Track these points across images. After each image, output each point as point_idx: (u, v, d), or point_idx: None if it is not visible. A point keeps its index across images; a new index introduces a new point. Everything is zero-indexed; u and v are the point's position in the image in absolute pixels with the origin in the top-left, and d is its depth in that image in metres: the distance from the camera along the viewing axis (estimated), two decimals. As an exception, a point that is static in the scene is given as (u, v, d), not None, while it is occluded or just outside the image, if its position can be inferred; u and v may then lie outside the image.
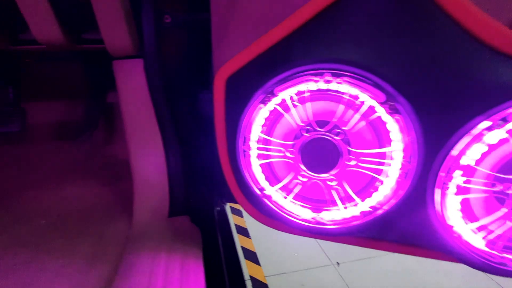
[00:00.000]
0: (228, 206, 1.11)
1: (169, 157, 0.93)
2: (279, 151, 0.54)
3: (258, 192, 0.58)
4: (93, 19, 0.73)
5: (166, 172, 0.91)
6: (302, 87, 0.49)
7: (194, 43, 0.99)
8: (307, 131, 0.51)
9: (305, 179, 0.54)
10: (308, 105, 0.50)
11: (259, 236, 2.15)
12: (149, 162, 0.92)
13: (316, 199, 0.58)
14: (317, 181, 0.54)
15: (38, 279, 0.70)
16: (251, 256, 1.96)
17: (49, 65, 1.31)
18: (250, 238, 2.15)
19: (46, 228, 0.89)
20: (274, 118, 0.53)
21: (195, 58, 1.02)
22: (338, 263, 1.92)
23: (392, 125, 0.47)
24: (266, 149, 0.55)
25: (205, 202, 1.00)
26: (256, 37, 0.52)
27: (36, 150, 1.22)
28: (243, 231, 2.24)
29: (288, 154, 0.54)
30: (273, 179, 0.58)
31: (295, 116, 0.51)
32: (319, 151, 0.52)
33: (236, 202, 1.15)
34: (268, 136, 0.54)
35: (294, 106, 0.51)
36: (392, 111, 0.46)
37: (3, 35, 0.72)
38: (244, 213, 2.46)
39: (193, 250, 0.71)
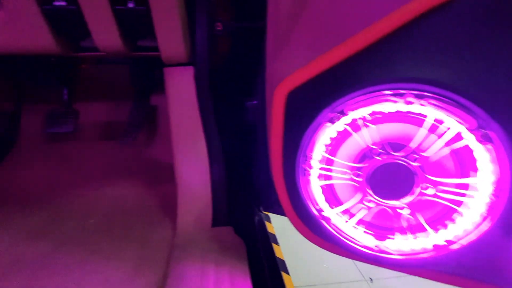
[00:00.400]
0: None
1: (212, 165, 0.92)
2: (344, 172, 0.51)
3: (316, 213, 0.55)
4: (151, 28, 0.74)
5: (210, 180, 0.91)
6: (378, 107, 0.45)
7: (241, 51, 0.98)
8: (379, 154, 0.47)
9: (372, 205, 0.50)
10: (383, 126, 0.46)
11: (287, 244, 2.11)
12: (193, 169, 0.92)
13: (379, 225, 0.54)
14: (385, 207, 0.50)
15: (90, 280, 0.72)
16: (280, 264, 1.93)
17: (98, 67, 1.36)
18: (278, 245, 2.12)
19: (94, 228, 0.91)
20: (340, 138, 0.50)
21: (241, 66, 1.01)
22: (371, 279, 1.83)
23: (481, 154, 0.42)
24: (329, 170, 0.52)
25: (246, 211, 0.99)
26: (324, 49, 0.49)
27: (83, 149, 1.26)
28: (272, 238, 2.21)
29: (354, 177, 0.50)
30: (333, 200, 0.54)
31: (366, 138, 0.48)
32: (391, 176, 0.48)
33: (275, 212, 1.12)
34: (333, 156, 0.51)
35: (366, 126, 0.47)
36: (484, 139, 0.41)
37: (68, 43, 0.75)
38: (273, 219, 2.43)
39: (240, 264, 0.69)
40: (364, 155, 0.50)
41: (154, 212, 0.99)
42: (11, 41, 0.68)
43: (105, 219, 0.96)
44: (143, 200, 1.07)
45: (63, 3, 0.65)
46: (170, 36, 0.75)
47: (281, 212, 1.08)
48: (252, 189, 1.06)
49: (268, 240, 0.99)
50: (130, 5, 0.68)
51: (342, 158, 0.51)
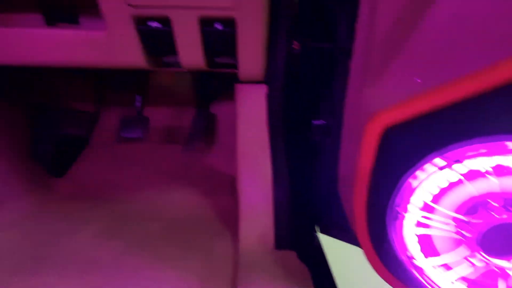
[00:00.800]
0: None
1: (276, 185, 0.91)
2: (447, 223, 0.46)
3: (406, 260, 0.51)
4: (233, 47, 0.75)
5: (272, 200, 0.90)
6: (504, 160, 0.40)
7: (314, 71, 0.95)
8: (497, 210, 0.42)
9: (480, 264, 0.45)
10: (505, 180, 0.41)
11: (337, 264, 2.03)
12: (256, 187, 0.91)
13: (481, 283, 0.48)
14: (493, 267, 0.45)
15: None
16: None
17: (163, 75, 1.43)
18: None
19: (159, 233, 0.95)
20: (449, 186, 0.45)
21: (311, 85, 0.99)
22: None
23: None
24: (428, 217, 0.48)
25: (306, 234, 0.96)
26: (436, 82, 0.43)
27: (147, 153, 1.33)
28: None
29: (461, 231, 0.45)
30: (429, 250, 0.50)
31: (483, 190, 0.43)
32: (508, 235, 0.42)
33: (333, 236, 1.08)
34: (436, 204, 0.47)
35: (485, 177, 0.42)
36: None
37: (154, 59, 0.79)
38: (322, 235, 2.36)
39: None
40: (475, 206, 0.45)
41: (214, 224, 1.00)
42: (108, 57, 0.73)
43: (168, 224, 1.00)
44: (203, 209, 1.09)
45: (158, 25, 0.68)
46: (251, 56, 0.75)
47: (339, 237, 1.04)
48: (310, 210, 1.03)
49: (328, 266, 0.96)
50: (218, 27, 0.69)
51: (447, 207, 0.46)
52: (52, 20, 0.93)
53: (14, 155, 1.16)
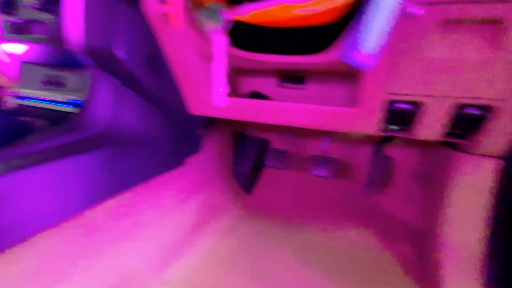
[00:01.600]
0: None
1: (489, 262, 0.86)
2: None
3: None
4: (479, 125, 0.74)
5: (482, 275, 0.85)
6: None
7: None
8: None
9: None
10: None
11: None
12: (466, 260, 0.88)
13: None
14: None
15: None
16: None
17: None
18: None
19: (335, 268, 1.03)
20: None
21: None
22: None
23: None
24: None
25: None
26: None
27: (325, 185, 1.46)
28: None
29: None
30: None
31: None
32: None
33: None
34: None
35: None
36: None
37: (387, 128, 0.86)
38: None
39: None
40: None
41: (397, 273, 1.02)
42: (351, 126, 0.84)
43: (344, 261, 1.07)
44: (380, 256, 1.12)
45: (408, 106, 0.75)
46: (497, 134, 0.73)
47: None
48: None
49: None
50: (474, 111, 0.70)
51: None
52: (284, 81, 1.15)
53: (227, 172, 1.48)
